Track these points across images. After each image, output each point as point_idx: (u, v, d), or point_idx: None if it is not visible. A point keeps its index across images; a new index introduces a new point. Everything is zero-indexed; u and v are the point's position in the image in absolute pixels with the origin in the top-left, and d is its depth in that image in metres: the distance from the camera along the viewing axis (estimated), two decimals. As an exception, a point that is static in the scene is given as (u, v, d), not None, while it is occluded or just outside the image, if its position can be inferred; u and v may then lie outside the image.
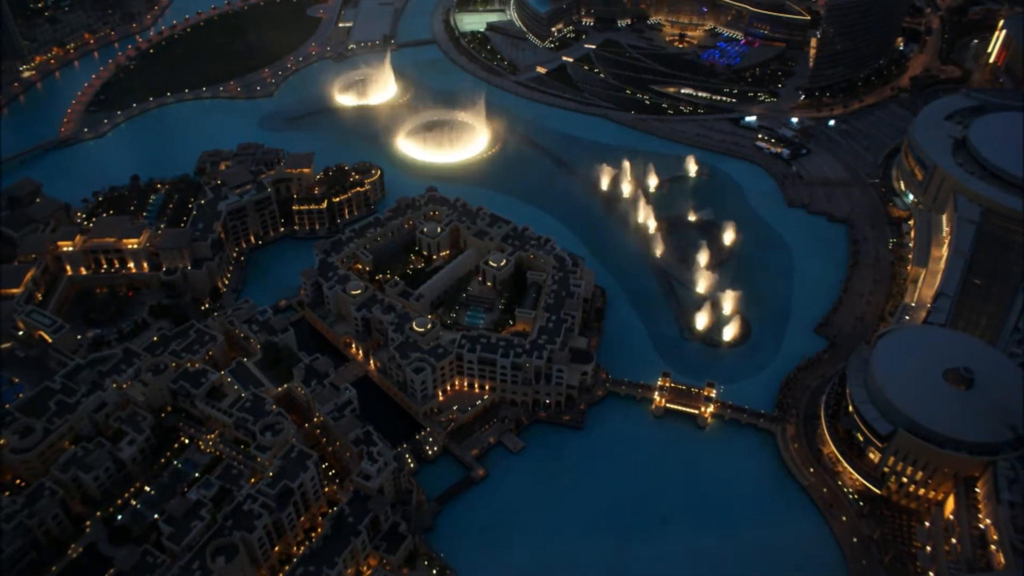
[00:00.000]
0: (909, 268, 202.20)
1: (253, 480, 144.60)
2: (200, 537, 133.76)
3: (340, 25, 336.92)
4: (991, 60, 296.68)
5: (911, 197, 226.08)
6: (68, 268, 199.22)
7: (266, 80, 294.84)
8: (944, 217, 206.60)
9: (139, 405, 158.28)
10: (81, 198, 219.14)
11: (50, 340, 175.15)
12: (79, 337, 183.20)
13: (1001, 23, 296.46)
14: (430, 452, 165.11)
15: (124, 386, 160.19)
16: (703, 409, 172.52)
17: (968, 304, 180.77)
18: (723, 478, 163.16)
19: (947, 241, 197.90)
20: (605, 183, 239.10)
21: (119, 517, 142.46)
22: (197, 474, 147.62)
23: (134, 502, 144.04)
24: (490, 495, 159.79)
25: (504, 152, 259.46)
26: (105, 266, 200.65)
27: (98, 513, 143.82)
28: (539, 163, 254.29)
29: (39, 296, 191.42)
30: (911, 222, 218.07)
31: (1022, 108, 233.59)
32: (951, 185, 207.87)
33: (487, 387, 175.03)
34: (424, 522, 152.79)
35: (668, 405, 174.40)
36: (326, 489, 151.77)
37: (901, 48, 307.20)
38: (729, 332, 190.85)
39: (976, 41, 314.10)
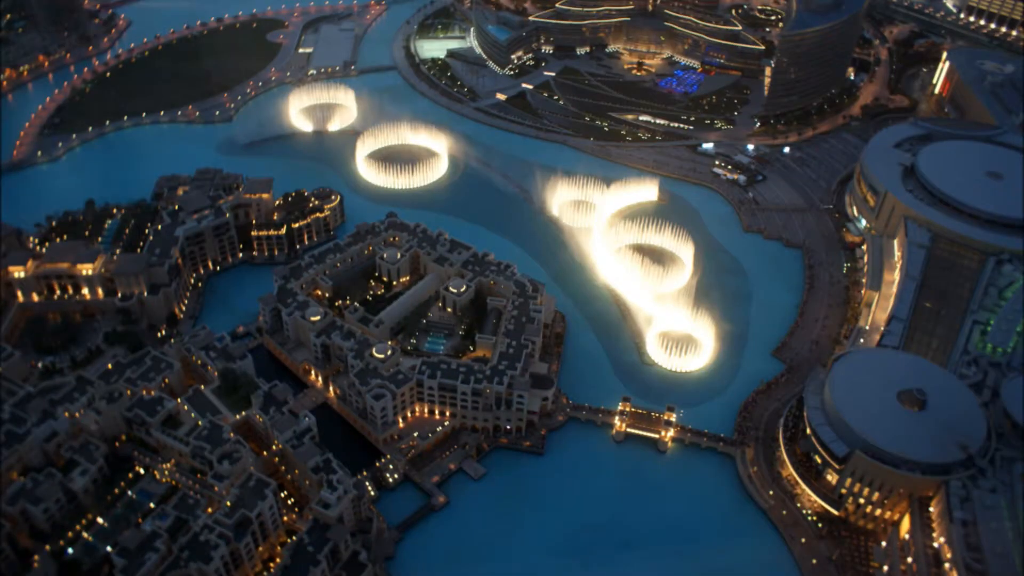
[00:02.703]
0: (863, 292, 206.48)
1: (210, 510, 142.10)
2: (155, 570, 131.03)
3: (300, 51, 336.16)
4: (936, 91, 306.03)
5: (864, 223, 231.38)
6: (19, 294, 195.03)
7: (225, 105, 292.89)
8: (896, 242, 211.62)
9: (92, 434, 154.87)
10: (34, 223, 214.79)
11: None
12: (30, 365, 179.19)
13: (944, 55, 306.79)
14: (390, 479, 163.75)
15: (77, 415, 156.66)
16: (663, 433, 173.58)
17: (920, 327, 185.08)
18: (684, 502, 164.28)
19: (899, 265, 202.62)
20: (565, 209, 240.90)
21: (69, 550, 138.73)
22: (152, 504, 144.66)
23: (86, 534, 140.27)
24: (451, 522, 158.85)
25: (464, 178, 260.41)
26: (58, 292, 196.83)
27: (47, 547, 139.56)
28: (499, 189, 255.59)
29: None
30: (864, 247, 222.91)
31: (966, 137, 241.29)
32: (901, 211, 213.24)
33: (448, 413, 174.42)
34: (385, 550, 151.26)
35: (629, 430, 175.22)
36: (285, 518, 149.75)
37: (852, 78, 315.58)
38: (688, 356, 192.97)
39: (924, 71, 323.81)
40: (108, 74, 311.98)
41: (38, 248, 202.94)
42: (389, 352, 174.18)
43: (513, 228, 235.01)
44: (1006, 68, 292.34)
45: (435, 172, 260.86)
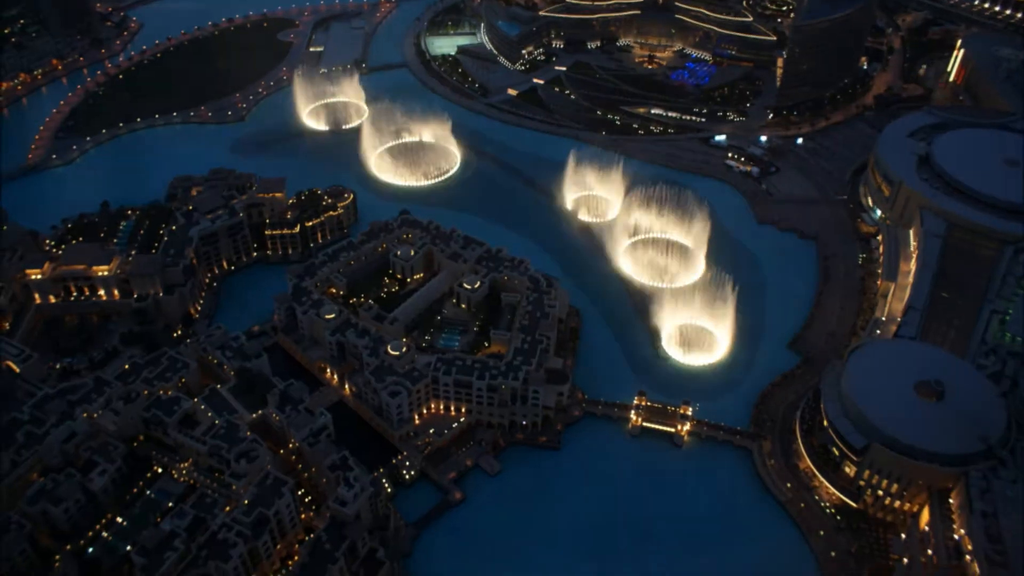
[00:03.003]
0: (879, 283, 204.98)
1: (228, 508, 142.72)
2: (174, 568, 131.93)
3: (311, 50, 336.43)
4: (951, 79, 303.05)
5: (879, 213, 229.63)
6: (36, 296, 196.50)
7: (237, 105, 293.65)
8: (911, 232, 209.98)
9: (110, 434, 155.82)
10: (50, 225, 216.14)
11: (18, 370, 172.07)
12: (48, 366, 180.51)
13: (959, 43, 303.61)
14: (407, 476, 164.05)
15: (95, 415, 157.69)
16: (679, 427, 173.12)
17: (937, 317, 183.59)
18: (701, 496, 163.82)
19: (915, 255, 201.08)
20: (578, 203, 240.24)
21: (90, 550, 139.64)
22: (171, 503, 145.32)
23: (105, 534, 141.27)
24: (468, 518, 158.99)
25: (477, 174, 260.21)
26: (75, 294, 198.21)
27: (68, 546, 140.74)
28: (512, 184, 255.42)
29: (6, 325, 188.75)
30: (879, 237, 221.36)
31: (982, 125, 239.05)
32: (917, 201, 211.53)
33: (463, 410, 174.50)
34: (402, 548, 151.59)
35: (644, 424, 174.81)
36: (302, 516, 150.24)
37: (865, 67, 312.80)
38: (703, 350, 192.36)
39: (923, 66, 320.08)
40: (121, 76, 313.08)
41: (54, 250, 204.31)
42: (404, 349, 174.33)
43: (526, 223, 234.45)
44: (1022, 54, 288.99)
45: (448, 169, 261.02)
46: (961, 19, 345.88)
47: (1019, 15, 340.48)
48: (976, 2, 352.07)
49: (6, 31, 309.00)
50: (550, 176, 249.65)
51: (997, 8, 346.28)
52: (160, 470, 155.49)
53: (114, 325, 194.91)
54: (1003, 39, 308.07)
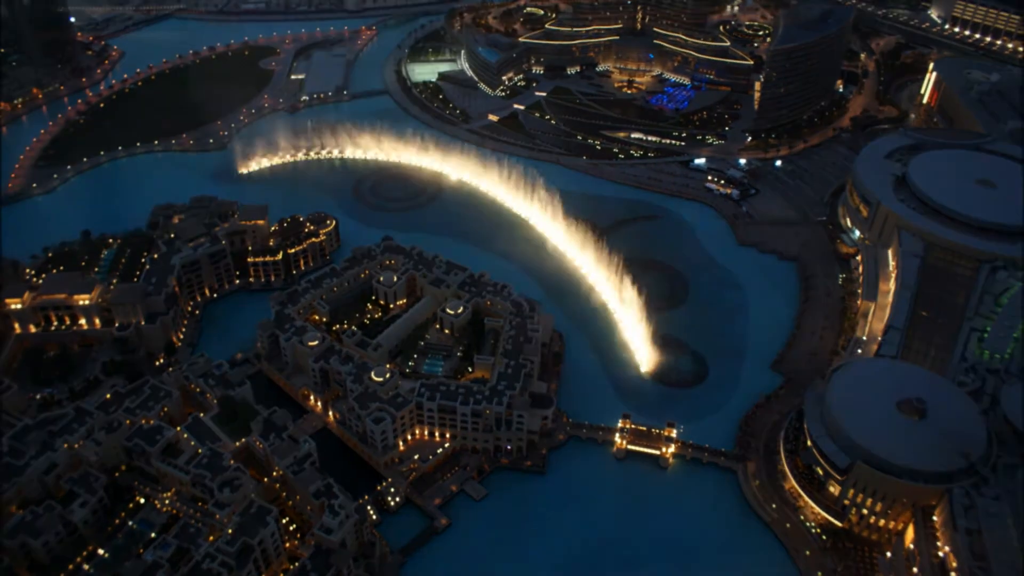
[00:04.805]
0: (859, 303, 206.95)
1: (212, 538, 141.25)
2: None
3: (292, 77, 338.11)
4: (924, 101, 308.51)
5: (857, 233, 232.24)
6: (17, 326, 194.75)
7: (219, 133, 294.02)
8: (890, 252, 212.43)
9: (92, 465, 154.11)
10: (30, 254, 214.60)
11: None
12: (28, 396, 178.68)
13: (931, 66, 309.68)
14: (392, 503, 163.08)
15: (76, 446, 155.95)
16: (664, 450, 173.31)
17: (917, 336, 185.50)
18: (687, 517, 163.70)
19: (894, 275, 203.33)
20: (560, 227, 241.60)
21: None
22: (153, 534, 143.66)
23: (87, 567, 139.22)
24: (454, 544, 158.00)
25: (459, 200, 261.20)
26: (56, 323, 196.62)
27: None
28: (494, 210, 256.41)
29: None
30: (859, 258, 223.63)
31: (956, 146, 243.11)
32: (895, 221, 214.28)
33: (448, 435, 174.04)
34: (388, 575, 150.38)
35: (629, 447, 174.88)
36: (287, 544, 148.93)
37: (841, 90, 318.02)
38: (687, 372, 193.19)
39: (912, 82, 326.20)
40: (102, 105, 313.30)
41: (35, 279, 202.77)
42: (388, 375, 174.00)
43: (509, 248, 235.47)
44: (992, 77, 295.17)
45: (430, 195, 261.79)
46: (932, 43, 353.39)
47: (988, 39, 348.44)
48: (947, 27, 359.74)
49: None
50: (532, 201, 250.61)
51: (967, 32, 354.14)
52: (143, 500, 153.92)
53: (95, 354, 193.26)
54: (974, 62, 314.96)
